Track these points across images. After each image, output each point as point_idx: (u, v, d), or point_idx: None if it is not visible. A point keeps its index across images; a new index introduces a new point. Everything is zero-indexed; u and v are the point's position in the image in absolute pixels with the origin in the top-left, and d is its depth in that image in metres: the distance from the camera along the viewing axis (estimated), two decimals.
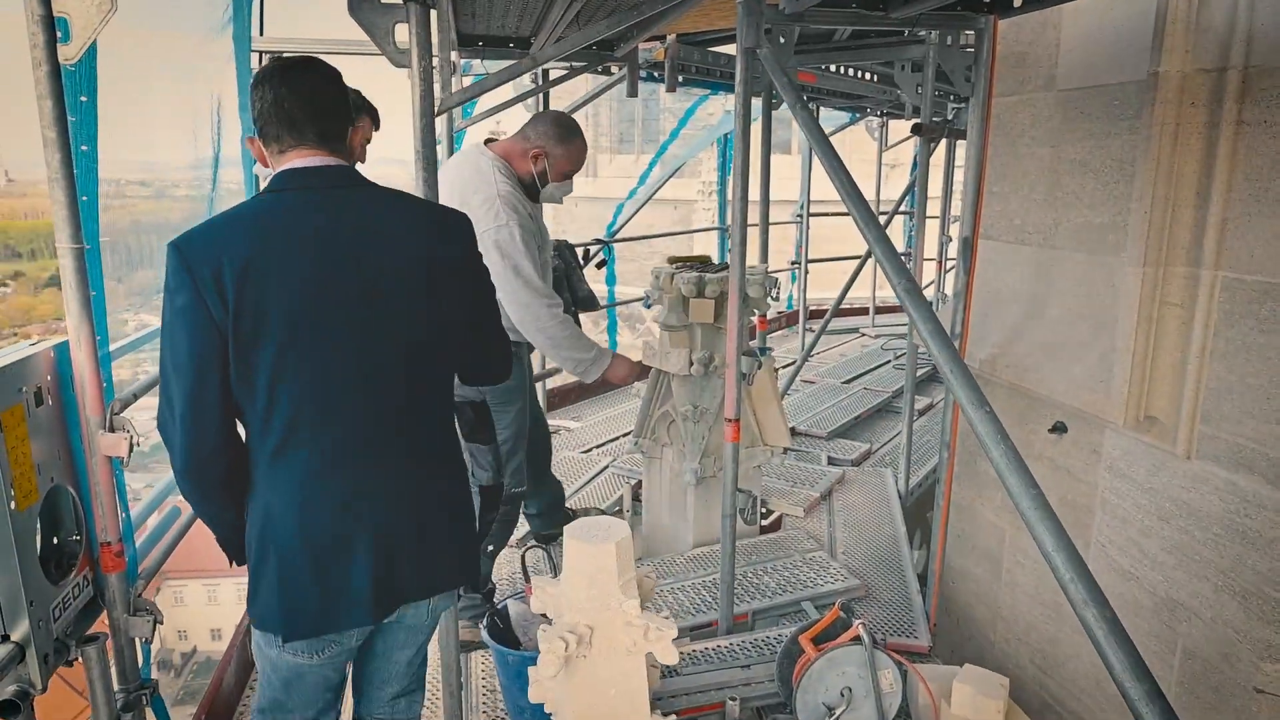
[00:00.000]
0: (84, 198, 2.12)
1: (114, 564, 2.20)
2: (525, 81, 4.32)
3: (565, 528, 2.06)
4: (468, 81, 4.38)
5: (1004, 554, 3.43)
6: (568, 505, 4.00)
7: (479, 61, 4.37)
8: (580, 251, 6.35)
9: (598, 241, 6.30)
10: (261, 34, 3.63)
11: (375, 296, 1.58)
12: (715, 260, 3.80)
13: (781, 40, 2.77)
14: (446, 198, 2.79)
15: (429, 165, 2.07)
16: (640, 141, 24.84)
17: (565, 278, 3.46)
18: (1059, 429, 3.05)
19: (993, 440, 1.46)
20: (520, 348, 3.00)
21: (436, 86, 2.88)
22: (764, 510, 4.26)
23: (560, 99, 4.46)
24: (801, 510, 4.13)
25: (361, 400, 1.60)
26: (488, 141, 2.98)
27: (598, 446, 5.20)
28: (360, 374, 1.59)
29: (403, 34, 2.05)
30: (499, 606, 2.79)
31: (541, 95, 4.31)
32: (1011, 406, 3.24)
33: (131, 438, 2.16)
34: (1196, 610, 2.57)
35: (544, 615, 2.18)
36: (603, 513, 4.17)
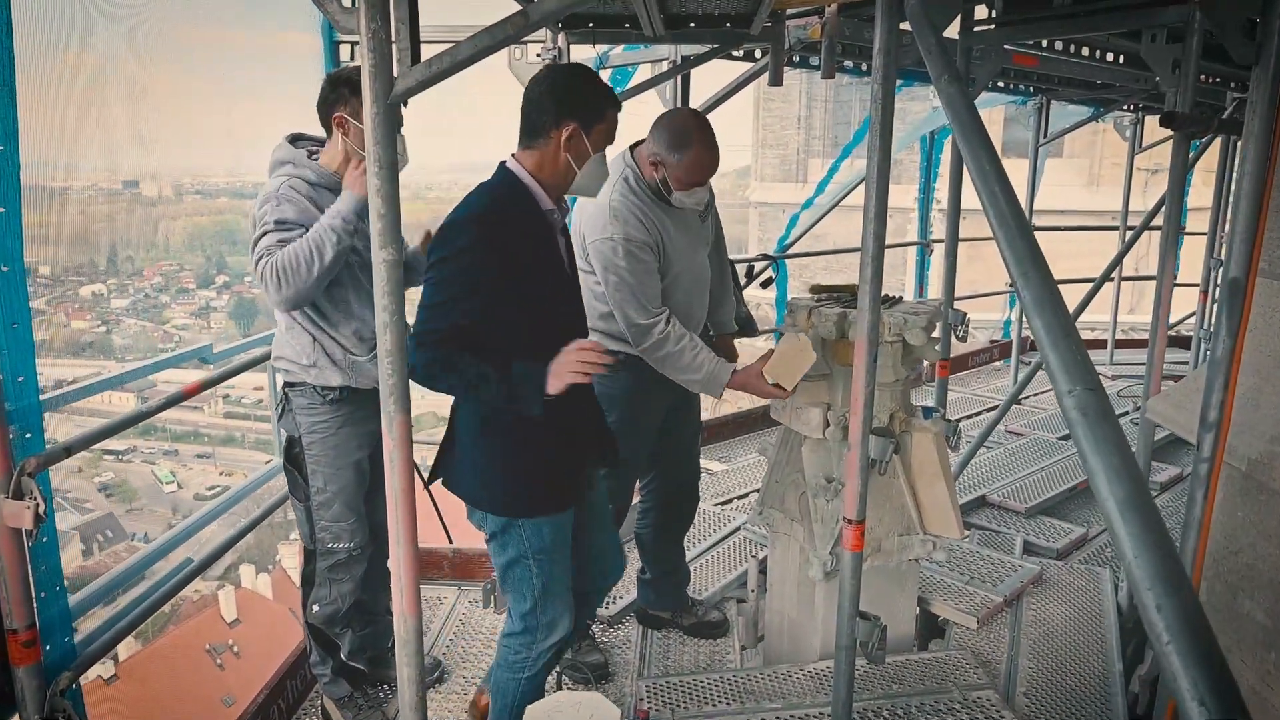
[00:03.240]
0: (1, 209, 1.74)
1: (22, 655, 1.81)
2: (663, 67, 3.68)
3: (528, 709, 1.41)
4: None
5: None
6: (690, 591, 3.31)
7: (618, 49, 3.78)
8: (743, 268, 5.65)
9: (764, 257, 5.54)
10: None
11: None
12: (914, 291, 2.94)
13: None
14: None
15: (388, 168, 1.48)
16: None
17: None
18: None
19: None
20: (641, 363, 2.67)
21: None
22: (934, 617, 3.31)
23: (701, 91, 3.76)
24: (975, 620, 3.15)
25: None
26: (639, 143, 2.71)
27: (739, 498, 4.45)
28: None
29: None
30: None
31: (680, 79, 3.65)
32: None
33: (38, 506, 1.75)
34: None
35: None
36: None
